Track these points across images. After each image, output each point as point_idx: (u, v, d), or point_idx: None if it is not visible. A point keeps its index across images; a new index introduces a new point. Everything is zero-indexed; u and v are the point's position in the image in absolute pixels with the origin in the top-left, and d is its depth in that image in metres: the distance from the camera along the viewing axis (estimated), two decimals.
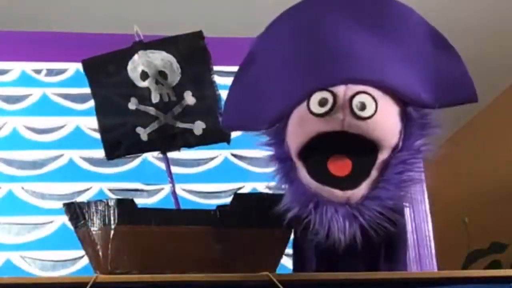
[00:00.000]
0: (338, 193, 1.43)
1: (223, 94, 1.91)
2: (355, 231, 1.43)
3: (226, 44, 2.78)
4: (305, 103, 1.43)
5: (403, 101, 1.49)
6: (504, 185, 4.08)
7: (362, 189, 1.43)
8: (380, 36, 1.48)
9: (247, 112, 1.55)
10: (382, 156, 1.45)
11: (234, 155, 2.73)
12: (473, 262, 3.50)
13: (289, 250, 1.70)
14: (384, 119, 1.44)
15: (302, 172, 1.47)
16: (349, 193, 1.43)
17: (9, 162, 2.66)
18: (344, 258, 1.55)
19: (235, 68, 2.83)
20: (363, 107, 1.40)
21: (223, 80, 2.73)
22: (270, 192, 1.63)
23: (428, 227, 2.80)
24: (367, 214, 1.43)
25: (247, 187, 2.64)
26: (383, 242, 1.58)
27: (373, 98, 1.41)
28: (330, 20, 1.49)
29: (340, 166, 1.43)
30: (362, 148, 1.43)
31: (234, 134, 1.99)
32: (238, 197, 1.75)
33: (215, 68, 2.07)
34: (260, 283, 1.52)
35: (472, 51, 3.91)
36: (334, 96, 1.40)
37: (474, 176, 4.47)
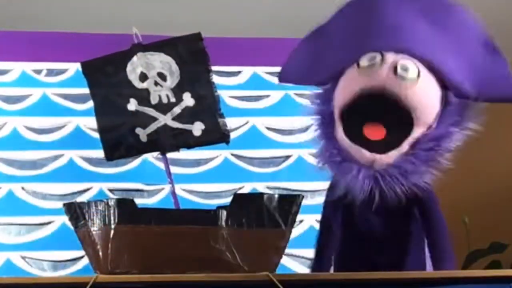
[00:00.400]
0: (365, 154, 1.56)
1: (223, 94, 1.91)
2: (374, 193, 1.56)
3: (226, 44, 2.78)
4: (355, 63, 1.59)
5: (445, 86, 1.62)
6: (504, 185, 4.08)
7: (390, 157, 1.57)
8: (436, 26, 1.62)
9: (307, 69, 1.70)
10: (417, 132, 1.58)
11: (234, 155, 2.73)
12: (473, 262, 3.50)
13: (289, 250, 1.71)
14: (424, 90, 1.58)
15: (339, 131, 1.61)
16: (376, 156, 1.56)
17: (9, 162, 2.66)
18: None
19: (234, 68, 2.87)
20: (406, 69, 1.55)
21: (222, 80, 2.74)
22: (270, 192, 1.64)
23: None
24: (387, 179, 1.55)
25: (247, 187, 2.64)
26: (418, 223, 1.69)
27: (418, 67, 1.56)
28: (398, 7, 1.64)
29: (375, 131, 1.57)
30: (399, 119, 1.56)
31: (234, 135, 1.99)
32: (238, 197, 1.75)
33: (215, 68, 2.08)
34: (260, 283, 1.52)
35: None
36: (383, 55, 1.56)
37: (474, 176, 4.47)
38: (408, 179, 1.56)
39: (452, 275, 1.59)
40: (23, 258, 2.53)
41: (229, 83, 2.82)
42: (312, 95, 1.72)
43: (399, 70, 1.54)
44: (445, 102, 1.62)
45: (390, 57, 1.55)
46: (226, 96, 2.66)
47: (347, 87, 1.60)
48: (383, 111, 1.56)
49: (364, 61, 1.56)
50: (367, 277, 1.56)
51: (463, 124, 1.62)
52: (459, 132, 1.62)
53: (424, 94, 1.57)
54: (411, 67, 1.55)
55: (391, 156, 1.56)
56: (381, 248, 1.67)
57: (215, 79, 2.10)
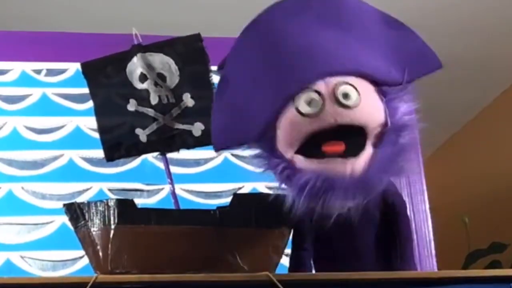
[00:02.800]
0: (341, 161, 1.46)
1: None
2: (360, 202, 1.48)
3: (225, 44, 2.78)
4: (292, 107, 1.47)
5: (376, 82, 1.53)
6: (504, 185, 4.08)
7: (361, 160, 1.47)
8: (340, 30, 1.54)
9: (234, 131, 1.55)
10: (373, 133, 1.50)
11: (234, 155, 2.73)
12: (473, 262, 3.51)
13: (289, 250, 1.70)
14: (368, 104, 1.49)
15: (301, 163, 1.49)
16: (351, 160, 1.46)
17: (9, 162, 2.66)
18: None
19: None
20: (346, 96, 1.46)
21: None
22: (270, 192, 1.64)
23: (428, 227, 2.80)
24: (372, 183, 1.48)
25: (247, 187, 2.64)
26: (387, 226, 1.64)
27: (353, 86, 1.47)
28: (293, 25, 1.54)
29: (334, 146, 1.47)
30: (353, 132, 1.48)
31: None
32: (238, 197, 1.75)
33: (214, 68, 2.07)
34: (260, 283, 1.52)
35: (472, 51, 3.92)
36: (319, 93, 1.46)
37: (474, 176, 4.48)
38: (375, 185, 1.50)
39: (452, 275, 1.59)
40: (23, 258, 2.53)
41: None
42: (254, 160, 1.58)
43: (341, 100, 1.45)
44: (383, 95, 1.54)
45: (325, 88, 1.46)
46: None
47: (295, 133, 1.50)
48: (335, 133, 1.48)
49: (303, 106, 1.46)
50: (366, 277, 1.55)
51: (410, 107, 1.55)
52: (409, 115, 1.55)
53: (370, 108, 1.50)
54: (350, 91, 1.47)
55: (362, 159, 1.48)
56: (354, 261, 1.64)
57: (215, 79, 2.10)
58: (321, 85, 1.46)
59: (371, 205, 1.54)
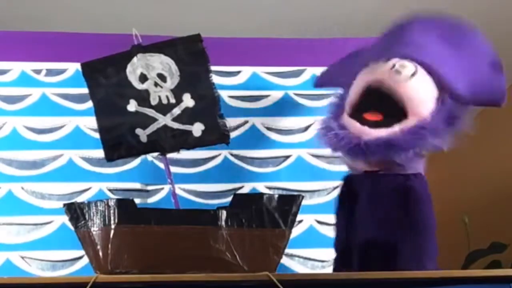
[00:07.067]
0: (357, 125, 1.87)
1: (223, 94, 1.91)
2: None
3: (225, 44, 2.78)
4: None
5: (442, 89, 1.90)
6: (505, 185, 4.08)
7: (378, 131, 1.84)
8: (449, 45, 1.96)
9: (338, 77, 2.11)
10: (409, 121, 1.85)
11: (234, 155, 2.73)
12: (473, 262, 3.50)
13: (289, 250, 1.71)
14: (418, 86, 1.88)
15: (346, 118, 1.93)
16: (366, 129, 1.85)
17: (9, 162, 2.66)
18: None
19: (234, 68, 2.86)
20: (403, 66, 1.86)
21: (222, 80, 2.74)
22: (270, 192, 1.64)
23: None
24: (371, 146, 1.82)
25: (247, 187, 2.64)
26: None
27: (415, 68, 1.88)
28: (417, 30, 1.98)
29: (373, 116, 1.88)
30: (394, 109, 1.86)
31: (233, 134, 1.99)
32: (238, 197, 1.75)
33: (215, 68, 2.08)
34: (260, 283, 1.52)
35: None
36: (388, 60, 1.89)
37: (474, 176, 4.47)
38: (390, 151, 1.82)
39: (452, 275, 1.59)
40: (23, 258, 2.53)
41: (229, 83, 2.81)
42: (335, 93, 2.11)
43: (396, 66, 1.85)
44: (441, 102, 1.89)
45: (394, 60, 1.87)
46: (225, 96, 2.66)
47: (357, 85, 1.92)
48: (382, 103, 1.87)
49: (371, 64, 1.90)
50: (367, 277, 1.56)
51: (454, 125, 1.92)
52: (448, 129, 1.91)
53: (417, 89, 1.87)
54: (409, 66, 1.86)
55: (380, 131, 1.84)
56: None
57: (215, 79, 2.10)
58: (395, 58, 1.88)
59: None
